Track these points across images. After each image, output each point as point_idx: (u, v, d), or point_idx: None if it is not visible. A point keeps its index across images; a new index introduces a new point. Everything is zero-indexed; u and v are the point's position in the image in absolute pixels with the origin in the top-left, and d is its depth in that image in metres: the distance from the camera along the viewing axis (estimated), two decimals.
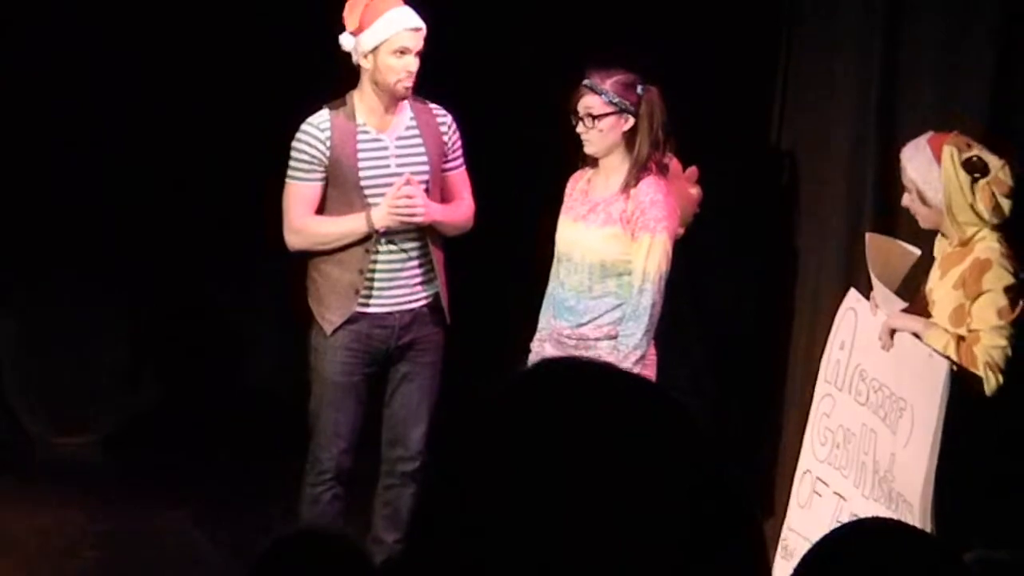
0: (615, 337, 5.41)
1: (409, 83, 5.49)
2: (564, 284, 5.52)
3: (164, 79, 7.16)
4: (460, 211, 5.73)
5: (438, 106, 5.72)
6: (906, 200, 5.17)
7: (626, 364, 5.21)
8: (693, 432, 1.43)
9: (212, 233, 7.27)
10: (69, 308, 7.52)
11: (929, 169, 5.06)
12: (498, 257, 6.56)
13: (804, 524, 5.31)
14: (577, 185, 5.59)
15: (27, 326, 7.55)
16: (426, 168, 5.61)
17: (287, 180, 5.59)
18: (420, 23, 5.49)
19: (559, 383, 1.45)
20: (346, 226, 5.54)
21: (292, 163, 5.57)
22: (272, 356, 7.37)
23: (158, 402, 7.53)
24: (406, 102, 5.61)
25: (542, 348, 5.62)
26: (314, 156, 5.53)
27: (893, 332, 5.10)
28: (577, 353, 5.43)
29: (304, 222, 5.58)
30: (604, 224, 5.43)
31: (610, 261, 5.40)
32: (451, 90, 5.82)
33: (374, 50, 5.47)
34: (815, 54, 6.32)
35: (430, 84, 5.63)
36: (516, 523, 1.37)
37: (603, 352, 5.41)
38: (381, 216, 5.50)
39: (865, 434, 5.20)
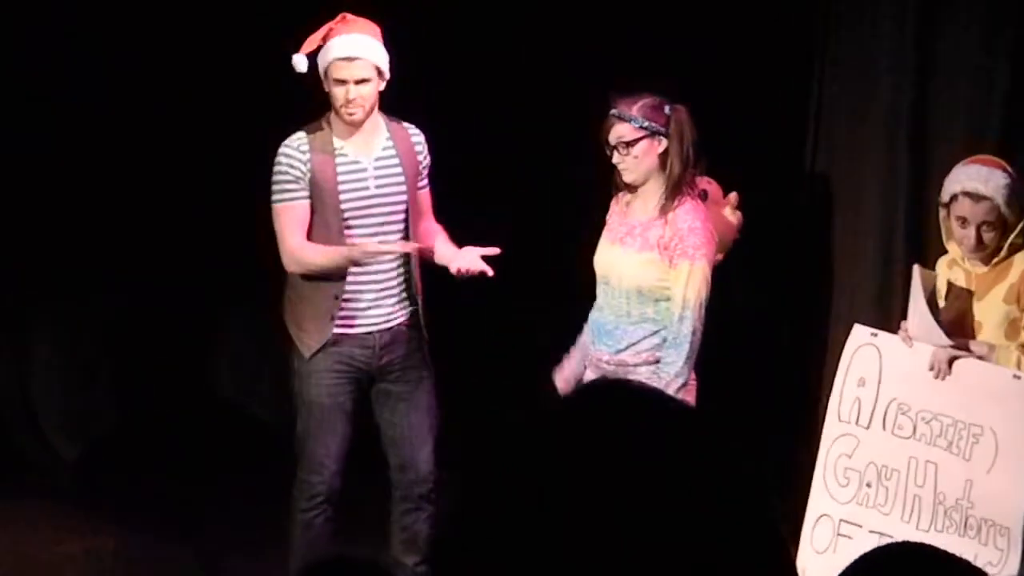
0: (653, 363, 5.39)
1: (352, 110, 5.49)
2: (603, 308, 5.52)
3: (164, 97, 7.22)
4: (446, 241, 5.72)
5: (411, 125, 5.71)
6: (970, 235, 5.12)
7: (668, 392, 5.19)
8: (732, 461, 1.42)
9: (229, 255, 7.30)
10: (98, 331, 7.54)
11: (1012, 190, 5.09)
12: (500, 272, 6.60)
13: (828, 570, 5.22)
14: (617, 207, 5.58)
15: (58, 348, 7.57)
16: (404, 189, 5.61)
17: (273, 203, 5.55)
18: (355, 52, 5.47)
19: (598, 407, 1.45)
20: (334, 257, 5.51)
21: (276, 186, 5.54)
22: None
23: (186, 428, 7.54)
24: (381, 122, 5.61)
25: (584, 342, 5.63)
26: (297, 175, 5.51)
27: (951, 362, 5.08)
28: None
29: (302, 248, 5.54)
30: (641, 249, 5.41)
31: (647, 287, 5.39)
32: (445, 107, 5.83)
33: (324, 77, 5.51)
34: (848, 79, 6.31)
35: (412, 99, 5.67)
36: (545, 544, 1.37)
37: (643, 379, 5.37)
38: (361, 251, 5.47)
39: (916, 467, 5.18)
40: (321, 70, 5.50)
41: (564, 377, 5.65)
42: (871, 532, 5.25)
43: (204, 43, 7.23)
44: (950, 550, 5.13)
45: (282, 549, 5.68)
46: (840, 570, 5.25)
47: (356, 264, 5.48)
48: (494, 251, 5.51)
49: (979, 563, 4.83)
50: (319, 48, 5.50)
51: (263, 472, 6.94)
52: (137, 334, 7.62)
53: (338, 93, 5.48)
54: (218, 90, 7.23)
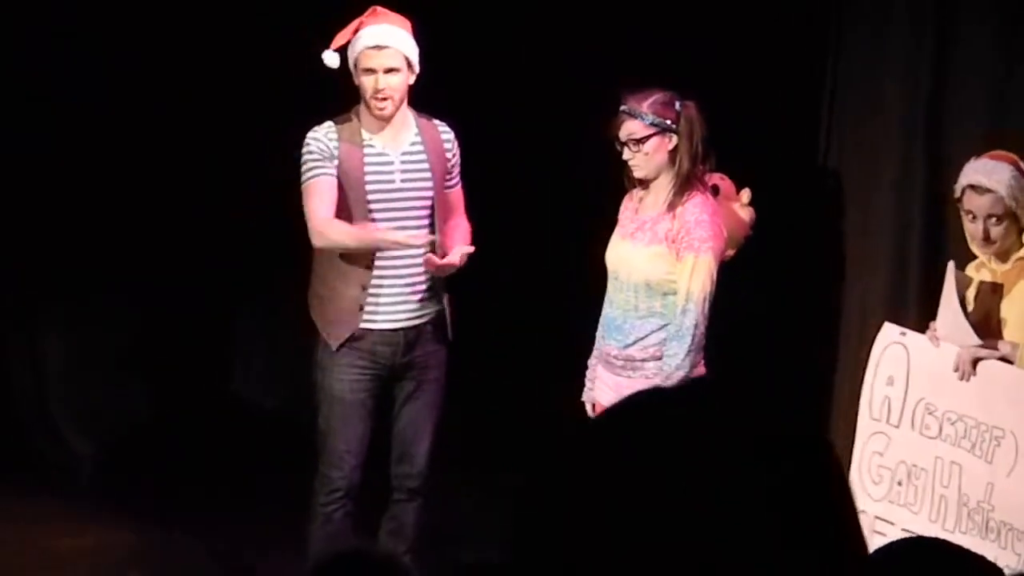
0: (660, 358, 5.39)
1: (381, 102, 5.47)
2: (612, 302, 5.52)
3: (177, 97, 7.23)
4: (466, 240, 5.71)
5: (442, 122, 5.70)
6: (979, 229, 5.11)
7: (670, 384, 5.21)
8: (827, 469, 1.43)
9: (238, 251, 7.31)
10: (114, 328, 7.55)
11: (1020, 183, 5.10)
12: (504, 273, 6.58)
13: None
14: (630, 203, 5.58)
15: (73, 345, 7.58)
16: (430, 184, 5.60)
17: (303, 184, 5.52)
18: (385, 41, 5.46)
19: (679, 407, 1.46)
20: (355, 237, 5.50)
21: (304, 167, 5.52)
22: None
23: (201, 424, 7.55)
24: (411, 117, 5.60)
25: (594, 369, 5.63)
26: (325, 156, 5.48)
27: (976, 362, 5.08)
28: (625, 374, 5.44)
29: (328, 224, 5.51)
30: (650, 243, 5.42)
31: (655, 280, 5.39)
32: (458, 102, 5.82)
33: (354, 69, 5.49)
34: (863, 74, 6.30)
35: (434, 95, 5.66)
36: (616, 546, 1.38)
37: (650, 373, 5.41)
38: (383, 234, 5.46)
39: (942, 467, 5.19)
40: (351, 62, 5.49)
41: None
42: (903, 531, 5.24)
43: (211, 40, 7.22)
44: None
45: (299, 543, 5.69)
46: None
47: (377, 248, 5.46)
48: (468, 250, 5.52)
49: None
50: (347, 44, 5.49)
51: (278, 467, 6.96)
52: (150, 331, 7.63)
53: (367, 83, 5.46)
54: (232, 88, 7.23)
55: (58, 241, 7.34)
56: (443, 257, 5.54)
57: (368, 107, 5.50)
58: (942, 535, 5.06)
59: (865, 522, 5.34)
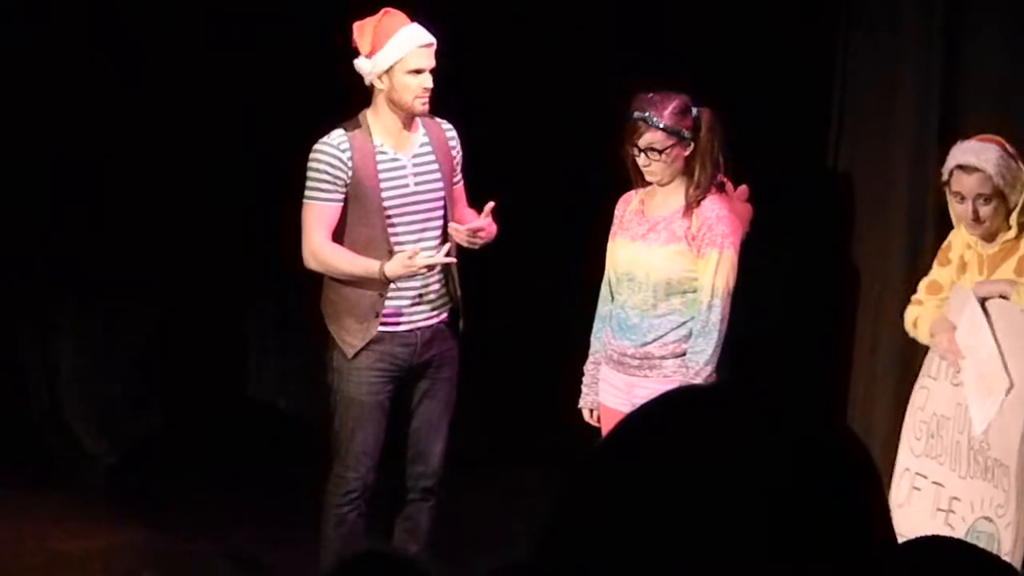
0: (680, 355, 5.38)
1: (426, 100, 5.48)
2: (626, 303, 5.49)
3: (185, 101, 7.24)
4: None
5: (444, 120, 5.71)
6: (967, 210, 5.12)
7: (698, 381, 5.22)
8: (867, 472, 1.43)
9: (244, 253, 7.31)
10: (126, 328, 7.56)
11: (1007, 163, 5.11)
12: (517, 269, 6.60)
13: (904, 523, 5.13)
14: (629, 206, 5.57)
15: (86, 346, 7.59)
16: (441, 185, 5.61)
17: (305, 200, 5.54)
18: (431, 39, 5.48)
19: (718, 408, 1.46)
20: (359, 269, 5.50)
21: (310, 183, 5.52)
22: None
23: (214, 424, 7.54)
24: (418, 119, 5.61)
25: (597, 369, 5.61)
26: (336, 176, 5.49)
27: (983, 301, 5.10)
28: (641, 373, 5.42)
29: (321, 247, 5.53)
30: (668, 242, 5.41)
31: (676, 279, 5.39)
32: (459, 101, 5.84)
33: (389, 70, 5.46)
34: (874, 68, 6.30)
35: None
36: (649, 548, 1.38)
37: (669, 370, 5.40)
38: (394, 269, 5.44)
39: (960, 413, 5.18)
40: (389, 62, 5.45)
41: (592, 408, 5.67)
42: (933, 483, 5.24)
43: (223, 41, 7.23)
44: (979, 496, 5.17)
45: (312, 544, 5.69)
46: (912, 522, 5.34)
47: (383, 277, 5.44)
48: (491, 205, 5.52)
49: (992, 506, 4.88)
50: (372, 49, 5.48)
51: (290, 467, 6.95)
52: (163, 332, 7.64)
53: (412, 83, 5.45)
54: (244, 92, 7.24)
55: (71, 242, 7.35)
56: (454, 256, 5.57)
57: (408, 106, 5.48)
58: (957, 482, 5.09)
59: (908, 479, 5.37)
